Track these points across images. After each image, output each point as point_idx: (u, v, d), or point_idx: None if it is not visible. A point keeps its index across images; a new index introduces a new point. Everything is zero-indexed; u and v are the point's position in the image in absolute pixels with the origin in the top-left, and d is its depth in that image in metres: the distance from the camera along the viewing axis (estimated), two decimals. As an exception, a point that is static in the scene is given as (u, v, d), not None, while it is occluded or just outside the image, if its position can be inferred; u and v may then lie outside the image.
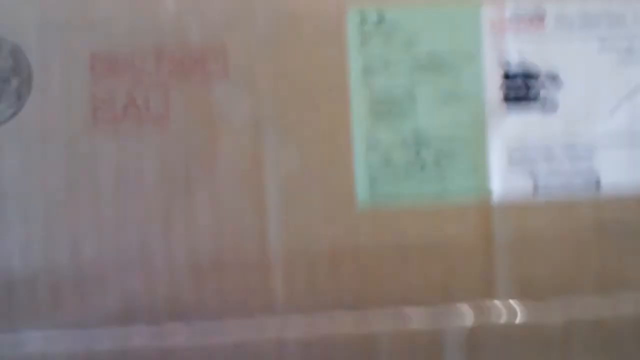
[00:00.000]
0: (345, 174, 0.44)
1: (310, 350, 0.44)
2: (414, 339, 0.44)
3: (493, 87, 0.44)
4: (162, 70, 0.43)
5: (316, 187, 0.44)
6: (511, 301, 0.45)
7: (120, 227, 0.43)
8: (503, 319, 0.45)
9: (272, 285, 0.43)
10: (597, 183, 0.45)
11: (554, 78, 0.45)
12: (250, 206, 0.43)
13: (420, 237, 0.44)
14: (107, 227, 0.43)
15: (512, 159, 0.45)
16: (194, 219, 0.43)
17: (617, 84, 0.45)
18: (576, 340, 0.45)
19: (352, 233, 0.44)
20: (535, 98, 0.45)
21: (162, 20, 0.43)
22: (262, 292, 0.43)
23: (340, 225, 0.44)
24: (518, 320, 0.44)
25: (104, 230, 0.42)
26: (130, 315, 0.43)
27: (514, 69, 0.45)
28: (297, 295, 0.43)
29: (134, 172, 0.43)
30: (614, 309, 0.45)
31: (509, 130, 0.45)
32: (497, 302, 0.45)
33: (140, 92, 0.43)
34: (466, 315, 0.44)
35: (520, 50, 0.45)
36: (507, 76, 0.44)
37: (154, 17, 0.43)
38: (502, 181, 0.45)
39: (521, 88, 0.45)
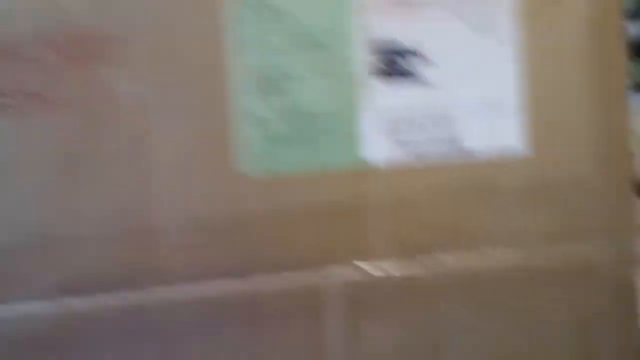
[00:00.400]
0: (228, 147, 0.46)
1: (199, 315, 0.47)
2: (296, 298, 0.48)
3: (364, 59, 0.47)
4: (51, 54, 0.44)
5: (199, 161, 0.46)
6: (386, 260, 0.48)
7: (21, 205, 0.44)
8: (379, 276, 0.48)
9: (161, 255, 0.46)
10: (462, 147, 0.49)
11: (420, 52, 0.48)
12: (138, 180, 0.45)
13: (300, 203, 0.47)
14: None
15: (383, 128, 0.48)
16: (85, 193, 0.45)
17: (476, 54, 0.48)
18: (447, 292, 0.49)
19: (236, 202, 0.47)
20: (403, 71, 0.48)
21: (51, 3, 0.44)
22: (152, 262, 0.46)
23: (224, 195, 0.47)
24: (392, 276, 0.48)
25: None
26: (28, 289, 0.45)
27: (384, 42, 0.47)
28: (185, 264, 0.46)
29: (26, 153, 0.44)
30: (480, 262, 0.49)
31: (380, 102, 0.48)
32: (373, 262, 0.48)
33: (30, 75, 0.44)
34: (345, 274, 0.48)
35: (391, 25, 0.47)
36: (377, 49, 0.47)
37: (43, 0, 0.44)
38: (375, 149, 0.48)
39: (389, 62, 0.47)
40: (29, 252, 0.45)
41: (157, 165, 0.46)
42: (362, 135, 0.48)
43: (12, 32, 0.43)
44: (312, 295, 0.48)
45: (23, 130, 0.44)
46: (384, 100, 0.48)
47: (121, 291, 0.46)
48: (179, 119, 0.46)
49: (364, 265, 0.48)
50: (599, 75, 0.50)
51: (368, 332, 0.49)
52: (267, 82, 0.46)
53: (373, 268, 0.49)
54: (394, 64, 0.47)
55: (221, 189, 0.46)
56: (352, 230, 0.48)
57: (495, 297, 0.50)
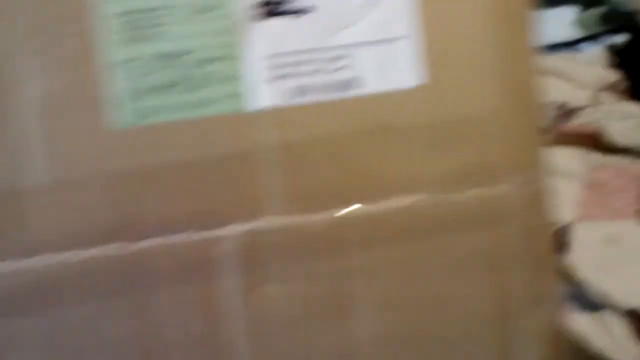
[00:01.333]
0: (100, 100, 0.43)
1: (80, 284, 0.43)
2: (186, 260, 0.44)
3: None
4: None
5: (76, 111, 0.42)
6: (282, 214, 0.44)
7: None
8: (275, 231, 0.45)
9: (39, 215, 0.42)
10: (357, 81, 0.45)
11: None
12: (11, 134, 0.42)
13: (182, 157, 0.44)
14: None
15: (270, 65, 0.44)
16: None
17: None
18: (350, 242, 0.45)
19: (115, 153, 0.43)
20: (290, 3, 0.44)
21: None
22: (19, 229, 0.42)
23: (99, 151, 0.43)
24: (289, 229, 0.45)
25: None
26: None
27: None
28: (66, 225, 0.42)
29: None
30: (383, 210, 0.46)
31: (266, 37, 0.44)
32: (268, 216, 0.44)
33: None
34: (237, 230, 0.44)
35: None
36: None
37: None
38: (261, 94, 0.44)
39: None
40: None
41: (25, 121, 0.42)
42: (247, 80, 0.44)
43: None
44: (204, 256, 0.44)
45: None
46: (270, 35, 0.44)
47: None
48: (49, 70, 0.42)
49: (257, 220, 0.44)
50: (502, 5, 0.46)
51: (268, 290, 0.45)
52: (137, 28, 0.43)
53: (268, 222, 0.45)
54: (281, 0, 0.44)
55: (96, 145, 0.43)
56: (242, 183, 0.44)
57: (402, 245, 0.46)
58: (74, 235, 0.43)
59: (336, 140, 0.45)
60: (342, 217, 0.45)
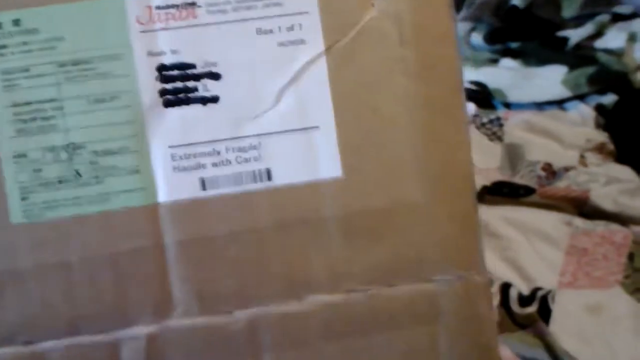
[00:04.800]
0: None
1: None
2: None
3: (148, 84, 0.42)
4: None
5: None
6: (190, 314, 0.43)
7: None
8: (183, 332, 0.43)
9: None
10: (268, 173, 0.43)
11: (212, 69, 0.42)
12: None
13: (84, 249, 0.42)
14: None
15: (175, 156, 0.42)
16: None
17: (280, 67, 0.43)
18: (262, 339, 0.43)
19: (9, 252, 0.41)
20: (194, 92, 0.42)
21: None
22: None
23: (4, 241, 0.41)
24: (199, 330, 0.43)
25: None
26: None
27: (168, 63, 0.42)
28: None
29: None
30: (300, 311, 0.43)
31: (169, 128, 0.42)
32: (175, 319, 0.43)
33: None
34: (142, 332, 0.42)
35: (173, 42, 0.42)
36: (161, 71, 0.42)
37: None
38: (168, 181, 0.42)
39: (178, 83, 0.42)
40: None
41: None
42: (149, 172, 0.42)
43: None
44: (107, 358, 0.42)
45: None
46: (174, 124, 0.42)
47: None
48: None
49: (164, 320, 0.42)
50: (423, 85, 0.44)
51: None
52: (26, 121, 0.41)
53: (175, 323, 0.42)
54: (184, 82, 0.42)
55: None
56: (148, 281, 0.42)
57: (325, 346, 0.43)
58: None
59: (247, 234, 0.43)
60: (257, 318, 0.43)
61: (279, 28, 0.43)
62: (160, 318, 0.42)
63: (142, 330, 0.42)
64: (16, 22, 0.41)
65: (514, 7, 0.92)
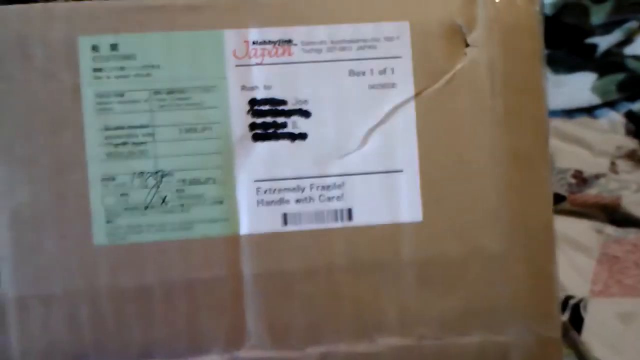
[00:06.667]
0: (81, 212, 0.42)
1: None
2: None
3: (239, 117, 0.42)
4: None
5: (50, 226, 0.41)
6: (263, 348, 0.43)
7: None
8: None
9: (6, 332, 0.41)
10: (350, 213, 0.43)
11: (302, 106, 0.43)
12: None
13: (163, 275, 0.42)
14: None
15: (260, 190, 0.43)
16: None
17: (370, 109, 0.43)
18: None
19: (90, 273, 0.42)
20: (283, 128, 0.43)
21: None
22: None
23: (76, 264, 0.42)
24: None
25: None
26: None
27: (260, 98, 0.43)
28: (32, 340, 0.41)
29: None
30: (370, 352, 0.43)
31: (256, 162, 0.43)
32: (247, 350, 0.43)
33: None
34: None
35: (267, 78, 0.43)
36: (253, 106, 0.42)
37: None
38: (251, 213, 0.43)
39: (268, 118, 0.43)
40: None
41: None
42: (237, 197, 0.43)
43: None
44: None
45: None
46: (262, 158, 0.43)
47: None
48: (39, 182, 0.41)
49: (235, 351, 0.43)
50: (509, 135, 0.44)
51: None
52: (127, 140, 0.42)
53: (246, 355, 0.43)
54: (274, 118, 0.43)
55: (78, 263, 0.42)
56: (226, 312, 0.43)
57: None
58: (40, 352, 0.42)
59: (324, 272, 0.43)
60: (328, 355, 0.43)
61: (371, 71, 0.43)
62: (232, 348, 0.43)
63: (214, 359, 0.43)
64: (114, 47, 0.42)
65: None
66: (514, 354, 0.44)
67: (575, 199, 0.81)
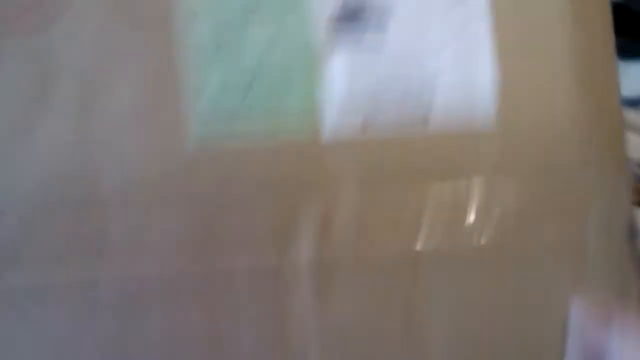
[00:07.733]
0: (175, 118, 0.44)
1: (154, 294, 0.44)
2: (258, 279, 0.45)
3: (321, 27, 0.45)
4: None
5: (145, 133, 0.44)
6: (352, 236, 0.45)
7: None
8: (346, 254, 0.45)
9: (105, 227, 0.44)
10: (426, 120, 0.45)
11: (383, 16, 0.45)
12: (81, 150, 0.44)
13: (253, 177, 0.45)
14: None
15: (341, 98, 0.45)
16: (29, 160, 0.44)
17: (449, 20, 0.46)
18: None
19: (184, 176, 0.44)
20: (363, 36, 0.45)
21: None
22: (94, 234, 0.44)
23: (171, 168, 0.44)
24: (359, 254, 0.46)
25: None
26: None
27: (341, 8, 0.45)
28: (128, 236, 0.44)
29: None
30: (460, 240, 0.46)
31: (338, 70, 0.45)
32: (337, 238, 0.45)
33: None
34: (307, 251, 0.45)
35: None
36: (335, 16, 0.45)
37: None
38: (333, 120, 0.45)
39: (350, 26, 0.45)
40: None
41: (98, 136, 0.44)
42: (320, 104, 0.45)
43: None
44: (275, 276, 0.45)
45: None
46: (343, 67, 0.45)
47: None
48: (126, 89, 0.44)
49: (328, 241, 0.45)
50: (582, 48, 0.46)
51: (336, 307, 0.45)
52: (218, 47, 0.45)
53: (339, 245, 0.45)
54: (356, 25, 0.45)
55: (168, 162, 0.44)
56: (314, 206, 0.45)
57: (475, 276, 0.46)
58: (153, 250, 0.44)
59: (406, 174, 0.46)
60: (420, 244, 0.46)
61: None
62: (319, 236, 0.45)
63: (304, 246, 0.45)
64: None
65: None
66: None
67: (640, 189, 0.82)
